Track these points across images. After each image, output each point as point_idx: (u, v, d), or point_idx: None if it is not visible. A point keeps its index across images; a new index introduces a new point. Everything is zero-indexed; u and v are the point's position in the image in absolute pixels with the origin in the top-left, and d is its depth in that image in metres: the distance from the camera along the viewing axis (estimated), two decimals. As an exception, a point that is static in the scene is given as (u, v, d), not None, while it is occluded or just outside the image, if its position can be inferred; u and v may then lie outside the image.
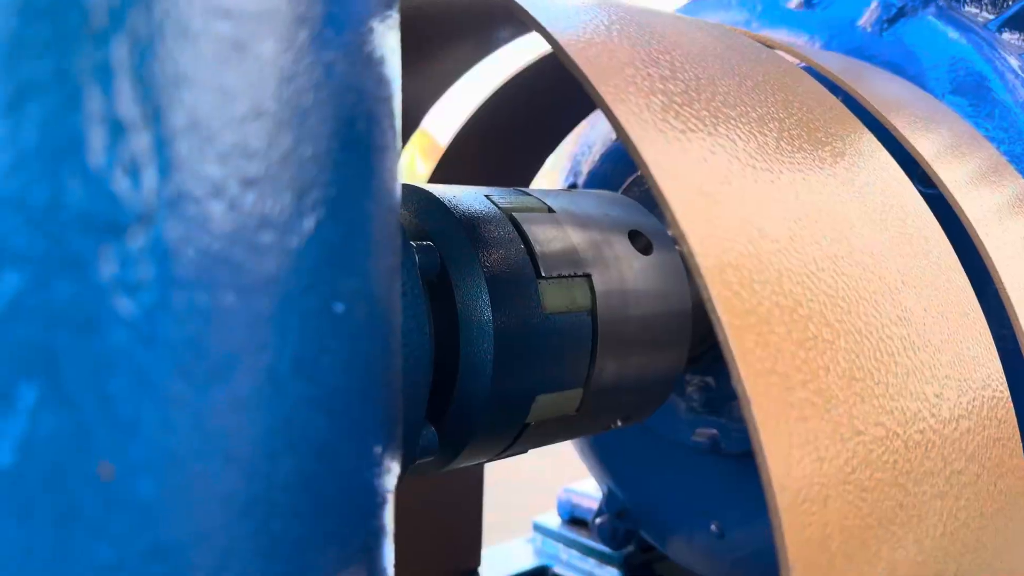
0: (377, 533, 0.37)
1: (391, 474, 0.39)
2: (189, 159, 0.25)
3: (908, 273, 0.62)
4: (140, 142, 0.24)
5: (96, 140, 0.23)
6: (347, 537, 0.35)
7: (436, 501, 1.47)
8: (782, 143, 0.60)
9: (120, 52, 0.23)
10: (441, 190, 0.82)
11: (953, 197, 0.75)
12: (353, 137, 0.34)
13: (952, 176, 0.77)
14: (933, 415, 0.57)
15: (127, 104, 0.24)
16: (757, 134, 0.59)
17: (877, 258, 0.60)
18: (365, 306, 0.34)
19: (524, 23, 1.03)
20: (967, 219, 0.74)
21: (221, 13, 0.25)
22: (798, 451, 0.46)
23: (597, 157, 1.38)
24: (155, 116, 0.24)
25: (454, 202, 0.80)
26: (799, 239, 0.54)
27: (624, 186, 1.31)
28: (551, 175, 1.54)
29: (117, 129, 0.24)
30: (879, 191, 0.66)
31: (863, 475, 0.50)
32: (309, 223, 0.30)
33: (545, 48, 1.22)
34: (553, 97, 1.32)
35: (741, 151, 0.55)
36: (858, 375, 0.52)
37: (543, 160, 1.41)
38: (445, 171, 1.29)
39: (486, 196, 0.84)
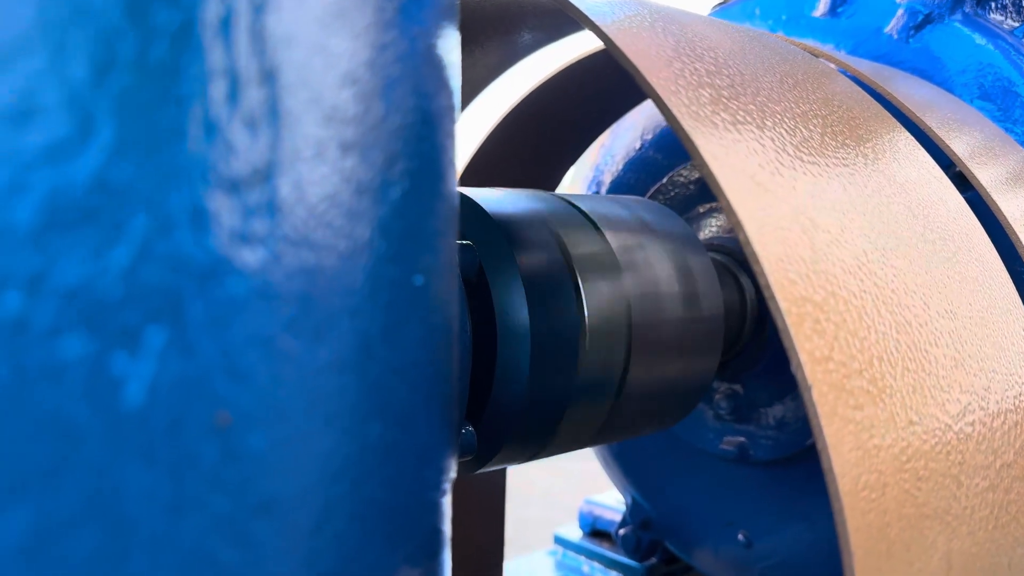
0: (442, 520, 0.37)
1: (454, 460, 0.39)
2: (298, 118, 0.26)
3: (953, 268, 0.62)
4: (256, 97, 0.25)
5: (217, 92, 0.24)
6: (422, 514, 0.35)
7: (457, 513, 1.47)
8: (826, 138, 0.61)
9: (239, 6, 0.23)
10: (476, 192, 0.82)
11: (990, 196, 0.75)
12: (432, 113, 0.34)
13: (988, 176, 0.78)
14: (982, 408, 0.57)
15: (244, 58, 0.24)
16: (802, 128, 0.59)
17: (923, 252, 0.60)
18: (438, 282, 0.35)
19: (552, 29, 1.03)
20: (1005, 218, 0.74)
21: (325, -22, 0.26)
22: (855, 438, 0.46)
23: (620, 167, 1.38)
24: (269, 73, 0.25)
25: (489, 204, 0.80)
26: (849, 231, 0.54)
27: (648, 195, 1.31)
28: (572, 187, 1.54)
29: (235, 82, 0.24)
30: (921, 188, 0.66)
31: (918, 464, 0.50)
32: (396, 193, 0.30)
33: (566, 60, 1.23)
34: (575, 108, 1.33)
35: (788, 144, 0.56)
36: (910, 366, 0.52)
37: (565, 170, 1.42)
38: (469, 181, 1.29)
39: (519, 199, 0.85)
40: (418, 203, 0.32)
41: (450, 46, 0.36)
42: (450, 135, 0.37)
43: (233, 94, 0.24)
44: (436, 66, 0.34)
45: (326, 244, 0.27)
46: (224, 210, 0.24)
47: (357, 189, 0.28)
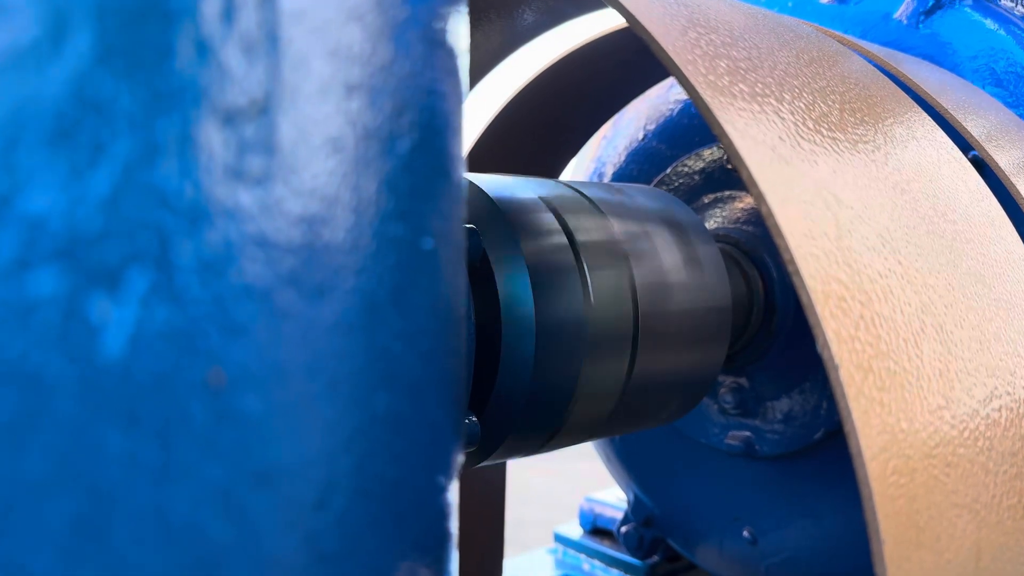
0: (449, 508, 0.35)
1: (461, 443, 0.37)
2: (299, 48, 0.24)
3: (975, 249, 0.60)
4: (253, 18, 0.22)
5: (210, 8, 0.21)
6: (430, 497, 0.33)
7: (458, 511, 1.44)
8: (845, 114, 0.58)
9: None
10: (479, 178, 0.80)
11: (1008, 179, 0.73)
12: (441, 67, 0.32)
13: (1005, 159, 0.75)
14: (1009, 393, 0.55)
15: (240, -26, 0.22)
16: (820, 104, 0.57)
17: (945, 233, 0.58)
18: (447, 250, 0.33)
19: (554, 11, 1.01)
20: (1024, 201, 0.72)
21: None
22: (882, 421, 0.44)
23: (622, 157, 1.36)
24: (268, -6, 0.23)
25: (493, 189, 0.77)
26: (871, 208, 0.52)
27: (652, 186, 1.29)
28: (573, 178, 1.52)
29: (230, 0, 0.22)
30: (941, 168, 0.64)
31: (946, 450, 0.48)
32: (404, 145, 0.28)
33: (567, 47, 1.21)
34: (577, 97, 1.31)
35: (808, 119, 0.54)
36: (937, 348, 0.50)
37: (567, 161, 1.40)
38: (470, 169, 1.27)
39: (524, 185, 0.82)
40: (427, 161, 0.30)
41: (458, 5, 0.34)
42: (458, 97, 0.35)
43: (228, 13, 0.22)
44: (444, 19, 0.32)
45: (330, 192, 0.24)
46: (217, 142, 0.22)
47: (363, 135, 0.25)
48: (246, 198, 0.22)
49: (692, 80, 0.47)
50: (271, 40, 0.23)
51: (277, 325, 0.23)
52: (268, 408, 0.23)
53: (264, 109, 0.23)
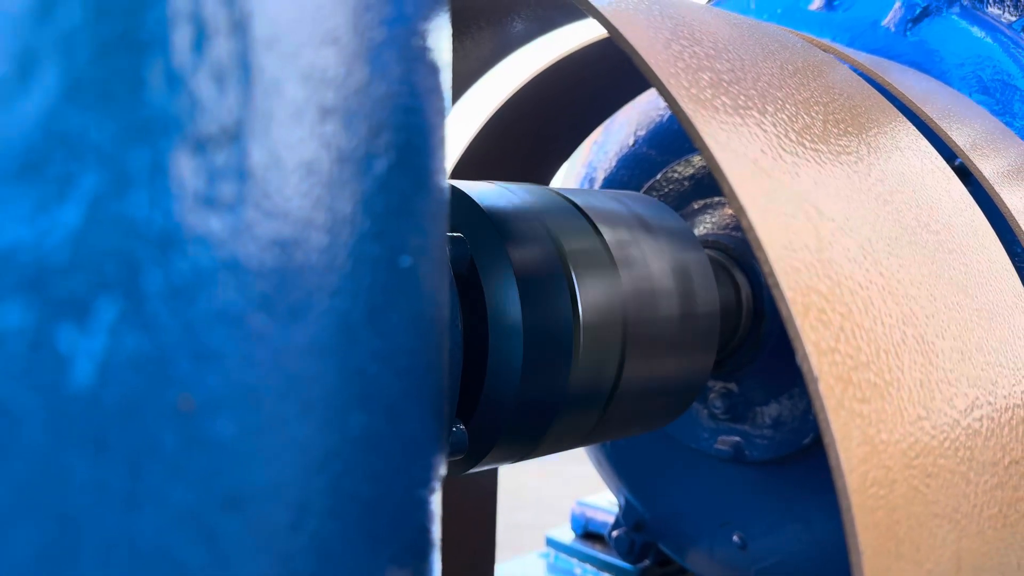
0: (431, 520, 0.35)
1: (444, 455, 0.37)
2: (272, 74, 0.24)
3: (958, 260, 0.60)
4: (225, 47, 0.23)
5: (180, 39, 0.22)
6: (409, 512, 0.33)
7: (448, 515, 1.44)
8: (828, 126, 0.59)
9: (206, -53, 0.21)
10: (467, 185, 0.80)
11: (992, 189, 0.73)
12: (420, 86, 0.32)
13: (990, 168, 0.76)
14: (990, 403, 0.55)
15: (212, 5, 0.22)
16: (804, 115, 0.57)
17: (927, 243, 0.58)
18: (426, 266, 0.33)
19: (544, 19, 1.01)
20: (1008, 210, 0.72)
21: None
22: (862, 432, 0.44)
23: (613, 163, 1.36)
24: (239, 23, 0.23)
25: (481, 197, 0.78)
26: (853, 219, 0.52)
27: (641, 192, 1.29)
28: (564, 184, 1.52)
29: (201, 30, 0.22)
30: (925, 178, 0.64)
31: (927, 461, 0.48)
32: (381, 165, 0.28)
33: (558, 53, 1.21)
34: (568, 103, 1.31)
35: (791, 131, 0.54)
36: (917, 359, 0.50)
37: (558, 167, 1.40)
38: (461, 175, 1.27)
39: (512, 192, 0.83)
40: (404, 179, 0.30)
41: (439, 21, 0.34)
42: (439, 112, 0.35)
43: (199, 44, 0.22)
44: (424, 37, 0.32)
45: (303, 215, 0.25)
46: (188, 171, 0.22)
47: (338, 157, 0.26)
48: (217, 224, 0.23)
49: (674, 93, 0.48)
50: (243, 67, 0.23)
51: (249, 350, 0.24)
52: (239, 432, 0.24)
53: (236, 136, 0.23)
